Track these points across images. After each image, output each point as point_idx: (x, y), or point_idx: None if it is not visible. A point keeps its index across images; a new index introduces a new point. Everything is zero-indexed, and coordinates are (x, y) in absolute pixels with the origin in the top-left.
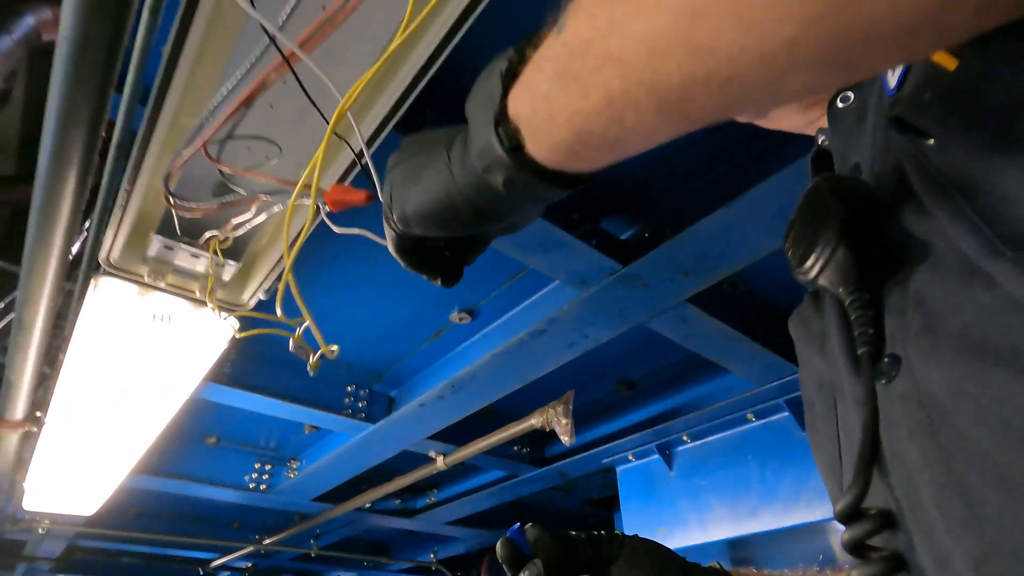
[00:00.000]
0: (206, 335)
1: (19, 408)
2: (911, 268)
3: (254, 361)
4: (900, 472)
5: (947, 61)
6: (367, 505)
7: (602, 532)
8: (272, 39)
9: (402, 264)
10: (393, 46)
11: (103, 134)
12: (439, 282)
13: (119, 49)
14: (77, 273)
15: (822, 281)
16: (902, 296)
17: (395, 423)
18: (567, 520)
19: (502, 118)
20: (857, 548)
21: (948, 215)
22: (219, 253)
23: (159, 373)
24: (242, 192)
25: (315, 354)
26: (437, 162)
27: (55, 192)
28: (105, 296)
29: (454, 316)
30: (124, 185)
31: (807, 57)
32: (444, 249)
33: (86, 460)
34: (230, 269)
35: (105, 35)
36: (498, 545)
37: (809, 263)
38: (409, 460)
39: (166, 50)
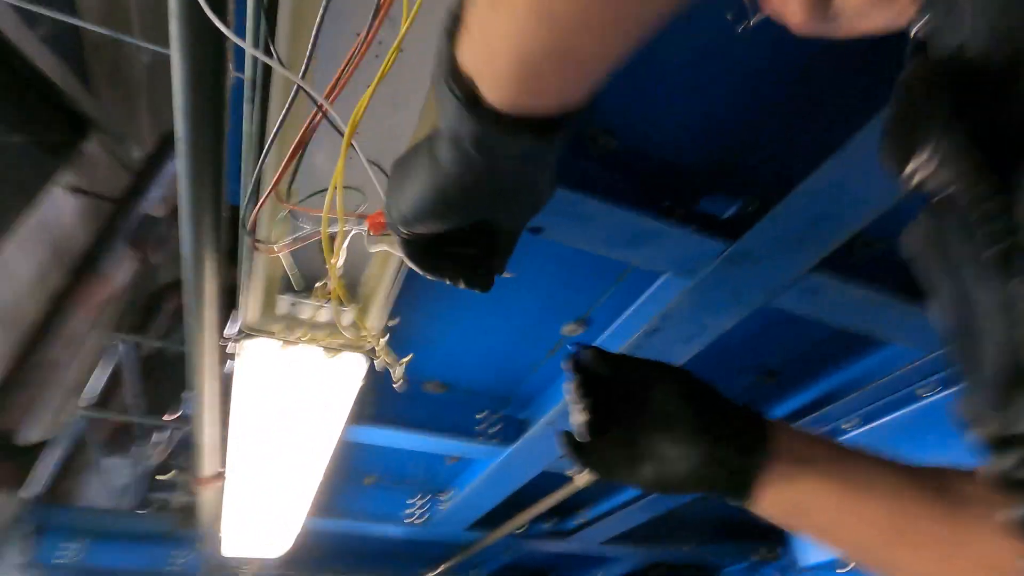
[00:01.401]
0: (342, 377)
1: (208, 466)
2: None
3: (392, 400)
4: None
5: None
6: (519, 531)
7: (648, 360)
8: (306, 92)
9: (419, 271)
10: (385, 65)
11: (226, 213)
12: (462, 284)
13: (223, 139)
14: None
15: (933, 183)
16: None
17: (529, 444)
18: (732, 529)
19: (455, 72)
20: (1009, 482)
21: None
22: (333, 299)
23: (308, 418)
24: (306, 227)
25: (398, 366)
26: (420, 154)
27: (198, 273)
28: (252, 357)
29: (566, 329)
30: (247, 253)
31: None
32: (461, 249)
33: (263, 506)
34: (349, 313)
35: (209, 130)
36: (568, 360)
37: (912, 165)
38: (552, 481)
39: (254, 128)
